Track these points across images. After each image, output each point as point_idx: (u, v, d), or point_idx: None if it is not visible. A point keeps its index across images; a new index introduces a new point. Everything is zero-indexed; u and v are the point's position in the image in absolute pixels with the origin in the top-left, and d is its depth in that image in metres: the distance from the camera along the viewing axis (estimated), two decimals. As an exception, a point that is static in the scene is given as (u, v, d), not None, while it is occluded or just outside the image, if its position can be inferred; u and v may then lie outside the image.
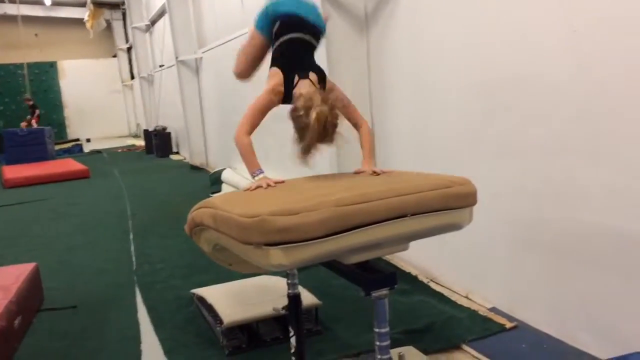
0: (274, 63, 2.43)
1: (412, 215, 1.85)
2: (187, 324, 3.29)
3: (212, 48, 8.94)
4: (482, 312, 3.13)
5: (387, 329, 1.91)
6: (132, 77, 20.07)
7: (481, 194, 2.13)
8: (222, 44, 8.20)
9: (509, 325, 2.95)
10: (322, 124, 2.02)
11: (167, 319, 3.38)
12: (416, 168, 2.59)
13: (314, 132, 2.02)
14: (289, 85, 2.32)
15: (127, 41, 19.58)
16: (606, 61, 2.33)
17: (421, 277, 3.71)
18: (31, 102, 14.66)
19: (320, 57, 2.57)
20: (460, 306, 3.24)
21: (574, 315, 2.67)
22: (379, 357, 1.91)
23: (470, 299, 3.30)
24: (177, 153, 13.21)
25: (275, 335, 2.99)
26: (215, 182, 7.67)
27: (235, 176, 7.05)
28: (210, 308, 3.14)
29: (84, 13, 18.14)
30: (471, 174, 2.21)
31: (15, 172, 10.24)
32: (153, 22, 13.83)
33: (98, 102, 20.37)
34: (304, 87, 2.29)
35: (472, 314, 3.12)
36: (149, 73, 15.16)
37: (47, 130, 13.54)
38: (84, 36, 18.77)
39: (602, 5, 2.33)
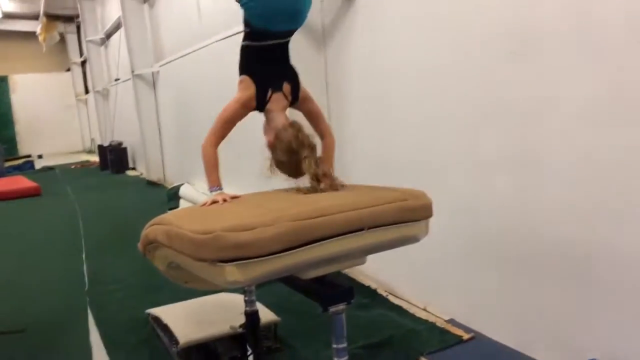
0: (245, 70, 2.34)
1: (369, 228, 1.86)
2: (142, 346, 3.18)
3: (170, 62, 8.83)
4: (440, 324, 3.15)
5: (345, 345, 1.90)
6: (87, 92, 19.59)
7: (438, 206, 2.15)
8: (180, 57, 8.11)
9: (466, 336, 2.98)
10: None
11: (121, 341, 3.26)
12: (375, 181, 2.61)
13: (294, 172, 2.25)
14: (261, 97, 2.30)
15: (81, 55, 19.12)
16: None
17: (380, 291, 3.71)
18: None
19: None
20: (419, 319, 3.26)
21: (530, 326, 2.71)
22: (337, 373, 1.89)
23: (428, 311, 3.32)
24: (134, 169, 12.93)
25: (233, 354, 2.91)
26: (172, 198, 7.53)
27: (194, 192, 6.94)
28: (165, 328, 3.05)
29: (36, 26, 17.66)
30: (428, 186, 2.24)
31: (-39, 190, 9.79)
32: (108, 35, 13.58)
33: (51, 117, 19.77)
34: (278, 110, 2.31)
35: (431, 326, 3.14)
36: (104, 87, 14.85)
37: (-4, 146, 13.04)
38: (37, 50, 18.25)
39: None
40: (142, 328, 3.41)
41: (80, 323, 3.61)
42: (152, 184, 10.25)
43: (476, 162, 2.92)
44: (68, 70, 20.49)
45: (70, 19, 18.59)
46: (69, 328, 3.55)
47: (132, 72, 10.12)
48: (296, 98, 2.40)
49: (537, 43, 2.46)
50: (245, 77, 2.32)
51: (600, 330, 2.36)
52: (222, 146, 2.30)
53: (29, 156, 18.16)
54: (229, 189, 2.25)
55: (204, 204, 2.16)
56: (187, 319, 3.07)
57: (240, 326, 2.69)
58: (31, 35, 18.11)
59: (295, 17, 2.31)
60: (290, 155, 2.19)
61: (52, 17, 17.67)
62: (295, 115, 2.48)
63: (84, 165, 15.44)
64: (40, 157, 18.72)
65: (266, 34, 2.28)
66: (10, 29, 18.56)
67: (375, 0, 3.58)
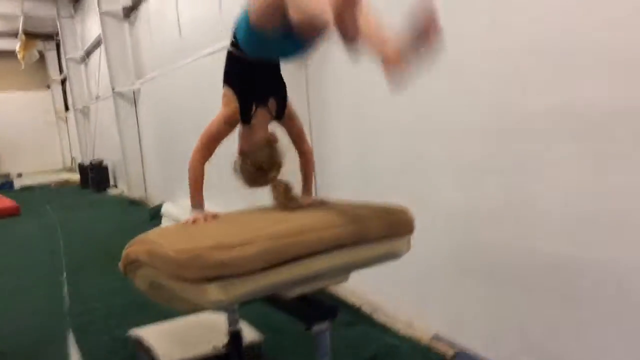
0: (229, 81, 2.24)
1: (350, 245, 1.86)
2: (123, 367, 3.13)
3: (150, 79, 8.81)
4: (424, 341, 3.15)
5: (329, 364, 1.89)
6: (67, 109, 19.42)
7: (421, 221, 2.17)
8: (161, 74, 8.10)
9: (450, 353, 2.98)
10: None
11: (102, 362, 3.21)
12: (356, 196, 2.61)
13: (253, 184, 2.27)
14: (245, 111, 2.22)
15: (61, 72, 18.97)
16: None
17: (365, 308, 3.70)
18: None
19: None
20: (403, 336, 3.25)
21: (513, 340, 2.72)
22: (321, 392, 1.88)
23: (412, 328, 3.32)
24: (115, 187, 12.79)
25: (216, 374, 2.88)
26: (154, 216, 7.47)
27: (176, 210, 6.89)
28: (147, 349, 3.01)
29: (15, 44, 17.50)
30: (410, 201, 2.25)
31: (-64, 210, 9.60)
32: (88, 53, 13.51)
33: (30, 135, 19.53)
34: (260, 123, 2.25)
35: (414, 344, 3.14)
36: (84, 105, 14.73)
37: (-26, 165, 12.82)
38: (15, 67, 18.06)
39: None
40: (124, 350, 3.35)
41: (61, 345, 3.54)
42: (134, 202, 10.15)
43: (457, 175, 2.94)
44: (48, 87, 20.31)
45: (49, 36, 18.46)
46: (49, 350, 3.48)
47: (113, 89, 10.07)
48: (281, 115, 2.33)
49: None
50: (227, 90, 2.23)
51: (585, 346, 2.38)
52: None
53: (7, 175, 17.89)
54: (210, 205, 2.24)
55: (186, 222, 2.15)
56: (169, 340, 3.03)
57: (224, 346, 2.66)
58: (10, 53, 17.94)
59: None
60: (259, 171, 2.21)
61: (31, 35, 17.50)
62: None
63: (64, 184, 15.24)
64: (19, 175, 18.45)
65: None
66: (-13, 47, 18.39)
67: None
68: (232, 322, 2.60)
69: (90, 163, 13.23)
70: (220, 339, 2.73)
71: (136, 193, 10.37)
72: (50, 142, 20.28)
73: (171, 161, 8.04)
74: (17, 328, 3.93)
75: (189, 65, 6.72)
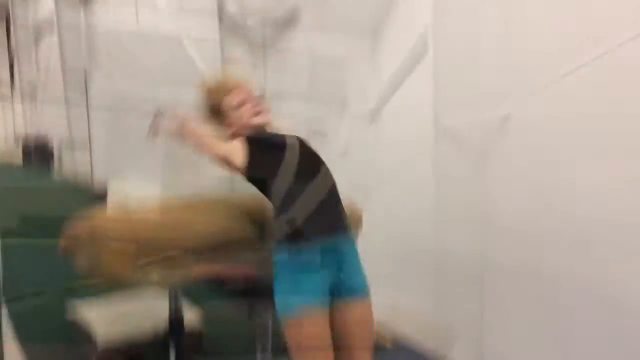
0: None
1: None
2: (63, 351, 3.05)
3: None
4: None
5: (270, 353, 1.90)
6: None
7: (372, 222, 2.16)
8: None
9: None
10: None
11: (39, 348, 3.11)
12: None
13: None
14: None
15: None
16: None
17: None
18: None
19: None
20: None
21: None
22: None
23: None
24: (60, 165, 12.33)
25: (156, 360, 2.85)
26: (101, 195, 7.24)
27: (124, 189, 6.70)
28: (86, 333, 2.94)
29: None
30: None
31: None
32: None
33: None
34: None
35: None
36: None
37: None
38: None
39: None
40: (63, 332, 3.26)
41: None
42: (79, 181, 9.81)
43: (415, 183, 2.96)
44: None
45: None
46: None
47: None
48: None
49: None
50: None
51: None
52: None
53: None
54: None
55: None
56: (108, 324, 2.98)
57: (165, 332, 2.63)
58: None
59: None
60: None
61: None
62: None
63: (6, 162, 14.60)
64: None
65: None
66: None
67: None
68: (175, 309, 2.57)
69: (35, 140, 12.71)
70: (161, 325, 2.70)
71: (82, 171, 10.01)
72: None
73: (124, 135, 7.76)
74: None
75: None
